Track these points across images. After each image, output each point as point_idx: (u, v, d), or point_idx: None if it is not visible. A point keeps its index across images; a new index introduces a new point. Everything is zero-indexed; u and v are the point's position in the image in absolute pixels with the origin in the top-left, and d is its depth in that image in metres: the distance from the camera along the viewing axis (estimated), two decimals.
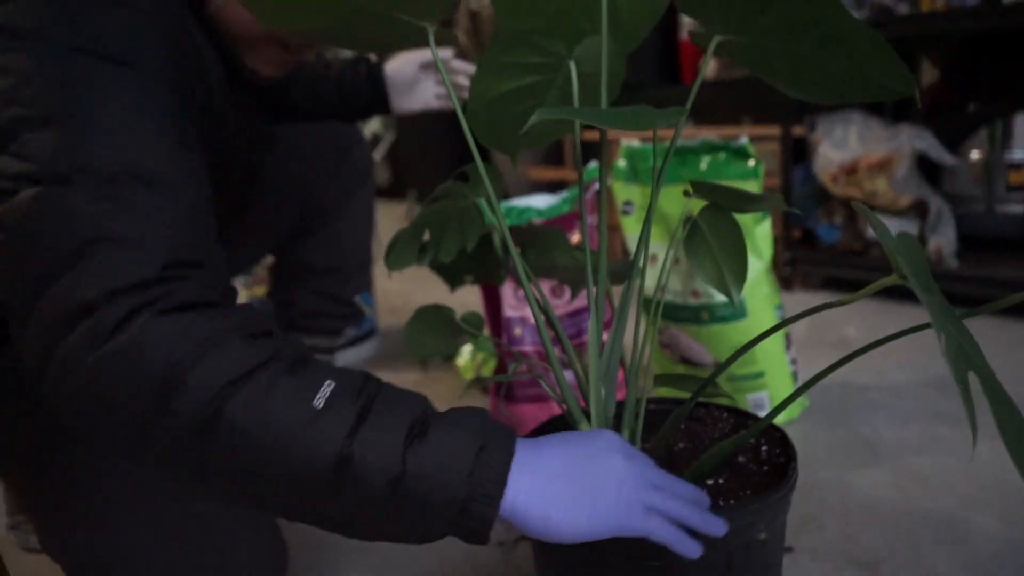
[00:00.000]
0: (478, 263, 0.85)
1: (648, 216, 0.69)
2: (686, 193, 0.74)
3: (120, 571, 0.78)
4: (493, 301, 1.25)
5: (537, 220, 1.16)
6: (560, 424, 0.75)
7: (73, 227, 0.57)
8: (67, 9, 0.63)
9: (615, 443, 0.61)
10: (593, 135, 2.40)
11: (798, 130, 1.88)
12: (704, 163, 1.20)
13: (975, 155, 1.77)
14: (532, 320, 1.17)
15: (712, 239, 0.70)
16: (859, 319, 1.65)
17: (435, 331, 0.81)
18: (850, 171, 1.76)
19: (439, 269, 0.85)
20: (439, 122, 2.88)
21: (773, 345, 1.21)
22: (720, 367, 0.68)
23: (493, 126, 0.71)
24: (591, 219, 1.19)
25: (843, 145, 1.78)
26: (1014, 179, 1.71)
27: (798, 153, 1.91)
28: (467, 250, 0.73)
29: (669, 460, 0.74)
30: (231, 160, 0.97)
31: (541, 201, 1.22)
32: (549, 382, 0.81)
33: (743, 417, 0.79)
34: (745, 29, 0.61)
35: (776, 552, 0.67)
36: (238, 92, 0.90)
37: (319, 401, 0.55)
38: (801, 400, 1.28)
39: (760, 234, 1.20)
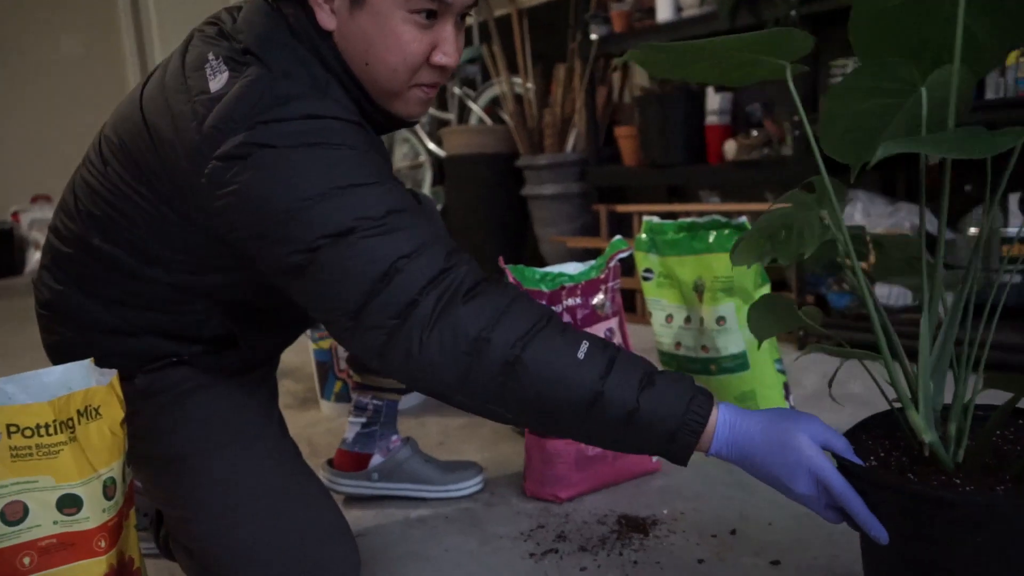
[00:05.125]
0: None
1: None
2: None
3: (238, 558, 1.00)
4: None
5: (568, 284, 1.37)
6: (886, 418, 0.89)
7: (376, 258, 0.83)
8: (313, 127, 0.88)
9: (813, 422, 0.82)
10: (626, 209, 2.63)
11: None
12: (711, 237, 1.42)
13: (972, 230, 1.95)
14: None
15: None
16: (864, 376, 1.81)
17: (775, 315, 0.90)
18: None
19: None
20: (488, 194, 3.12)
21: (774, 393, 1.40)
22: None
23: (842, 142, 0.79)
24: (613, 283, 1.40)
25: (848, 220, 1.98)
26: (1007, 252, 1.88)
27: None
28: (804, 258, 0.78)
29: (997, 459, 0.83)
30: None
31: (573, 268, 1.44)
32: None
33: None
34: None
35: None
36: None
37: (581, 354, 0.82)
38: None
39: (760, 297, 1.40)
